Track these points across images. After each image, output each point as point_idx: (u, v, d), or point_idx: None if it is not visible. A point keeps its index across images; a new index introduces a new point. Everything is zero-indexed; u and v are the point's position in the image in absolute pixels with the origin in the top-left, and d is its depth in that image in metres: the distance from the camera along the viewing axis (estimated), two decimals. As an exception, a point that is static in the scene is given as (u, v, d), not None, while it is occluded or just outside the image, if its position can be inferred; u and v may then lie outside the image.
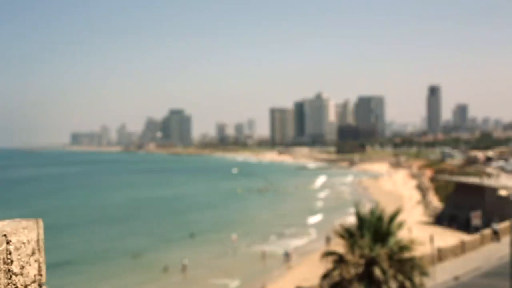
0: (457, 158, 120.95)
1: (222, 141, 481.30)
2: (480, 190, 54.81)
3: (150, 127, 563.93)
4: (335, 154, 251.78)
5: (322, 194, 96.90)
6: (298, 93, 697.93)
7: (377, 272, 20.80)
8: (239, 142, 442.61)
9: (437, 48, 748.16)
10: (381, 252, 21.49)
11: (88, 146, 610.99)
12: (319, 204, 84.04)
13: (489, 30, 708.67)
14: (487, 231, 38.74)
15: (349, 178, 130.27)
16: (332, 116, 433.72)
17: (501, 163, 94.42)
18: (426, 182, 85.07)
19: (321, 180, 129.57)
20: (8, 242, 2.30)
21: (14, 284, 2.32)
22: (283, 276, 40.90)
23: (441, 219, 57.24)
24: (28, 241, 2.46)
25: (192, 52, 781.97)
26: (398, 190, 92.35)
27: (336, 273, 21.68)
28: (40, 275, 2.59)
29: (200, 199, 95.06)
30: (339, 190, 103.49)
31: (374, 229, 22.44)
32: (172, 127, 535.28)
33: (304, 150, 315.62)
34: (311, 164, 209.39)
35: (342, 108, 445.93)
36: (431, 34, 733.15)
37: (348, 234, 22.97)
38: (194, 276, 41.82)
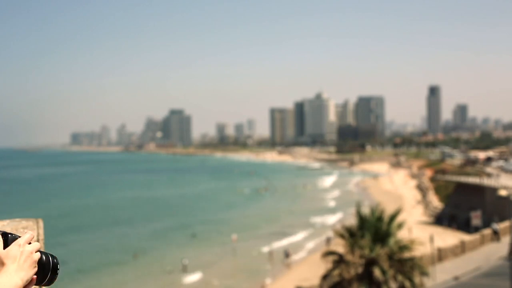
0: (457, 158, 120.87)
1: (222, 141, 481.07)
2: (480, 190, 54.75)
3: (150, 127, 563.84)
4: (335, 154, 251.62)
5: (333, 194, 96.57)
6: (298, 93, 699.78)
7: (377, 272, 20.80)
8: (239, 142, 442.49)
9: (437, 48, 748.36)
10: (381, 252, 21.49)
11: (88, 146, 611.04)
12: (333, 203, 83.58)
13: (489, 30, 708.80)
14: (487, 231, 38.73)
15: (356, 178, 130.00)
16: (332, 116, 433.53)
17: (501, 163, 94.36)
18: (426, 182, 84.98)
19: (329, 180, 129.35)
20: (8, 242, 2.29)
21: (14, 284, 2.31)
22: (283, 275, 40.86)
23: (441, 219, 57.18)
24: (28, 241, 2.45)
25: (192, 52, 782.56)
26: (398, 190, 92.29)
27: (336, 273, 21.69)
28: (40, 275, 2.58)
29: (204, 199, 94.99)
30: (347, 189, 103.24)
31: (374, 229, 22.44)
32: (172, 127, 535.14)
33: (304, 150, 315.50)
34: (315, 164, 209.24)
35: (342, 108, 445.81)
36: (431, 34, 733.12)
37: (349, 234, 22.98)
38: (193, 276, 41.79)
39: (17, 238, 1.49)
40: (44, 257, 1.53)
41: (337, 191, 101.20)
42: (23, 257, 1.44)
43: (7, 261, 1.41)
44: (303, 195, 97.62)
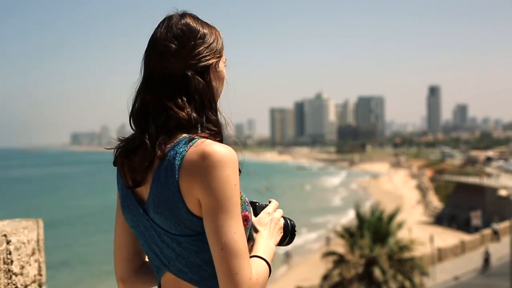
0: (457, 158, 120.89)
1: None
2: (480, 190, 54.75)
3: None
4: (335, 154, 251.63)
5: (339, 194, 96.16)
6: (298, 93, 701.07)
7: (377, 272, 20.83)
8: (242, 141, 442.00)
9: (437, 48, 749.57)
10: (381, 252, 21.52)
11: (88, 146, 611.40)
12: (342, 203, 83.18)
13: (489, 30, 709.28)
14: (487, 231, 38.74)
15: (357, 178, 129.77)
16: (332, 116, 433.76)
17: (501, 163, 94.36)
18: (426, 182, 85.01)
19: (333, 180, 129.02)
20: (8, 242, 2.30)
21: (14, 284, 2.32)
22: (283, 276, 40.88)
23: (441, 219, 57.18)
24: (28, 241, 2.46)
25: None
26: (398, 190, 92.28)
27: (336, 273, 21.71)
28: (40, 275, 2.59)
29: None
30: (353, 189, 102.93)
31: (374, 229, 22.47)
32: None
33: (304, 150, 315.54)
34: (316, 164, 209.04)
35: (342, 108, 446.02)
36: (431, 34, 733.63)
37: (348, 234, 23.01)
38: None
39: (263, 207, 1.62)
40: (283, 221, 1.67)
41: (343, 191, 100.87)
42: (273, 224, 1.58)
43: (260, 228, 1.54)
44: (307, 195, 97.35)
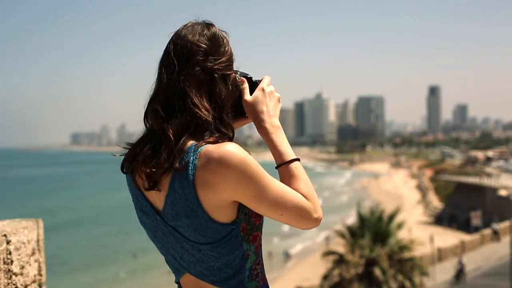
0: (457, 158, 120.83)
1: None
2: (480, 190, 54.74)
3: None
4: (335, 154, 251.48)
5: (343, 194, 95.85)
6: (298, 93, 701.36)
7: (377, 272, 20.83)
8: (239, 142, 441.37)
9: (437, 48, 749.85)
10: (381, 252, 21.52)
11: (88, 146, 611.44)
12: (345, 203, 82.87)
13: (489, 30, 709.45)
14: (487, 231, 38.71)
15: (358, 179, 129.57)
16: (332, 116, 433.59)
17: (501, 163, 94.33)
18: (426, 182, 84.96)
19: (335, 180, 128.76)
20: (8, 242, 2.30)
21: (14, 284, 2.32)
22: (283, 276, 40.86)
23: (441, 219, 57.17)
24: (28, 241, 2.46)
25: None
26: (398, 190, 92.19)
27: (336, 273, 21.71)
28: (40, 275, 2.58)
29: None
30: (355, 189, 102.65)
31: (374, 229, 22.47)
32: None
33: (304, 150, 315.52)
34: (316, 164, 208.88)
35: (342, 108, 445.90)
36: (431, 34, 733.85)
37: (349, 234, 23.01)
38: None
39: (257, 83, 1.61)
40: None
41: (349, 191, 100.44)
42: (270, 98, 1.60)
43: (258, 109, 1.58)
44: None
